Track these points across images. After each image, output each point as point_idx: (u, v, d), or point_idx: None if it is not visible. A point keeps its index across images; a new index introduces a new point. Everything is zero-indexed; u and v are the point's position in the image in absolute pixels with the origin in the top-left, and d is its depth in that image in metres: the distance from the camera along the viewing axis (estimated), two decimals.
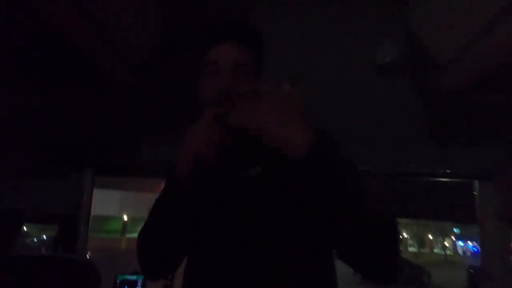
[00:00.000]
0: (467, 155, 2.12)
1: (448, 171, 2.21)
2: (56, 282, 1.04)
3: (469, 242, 28.26)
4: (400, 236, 0.66)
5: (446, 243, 30.40)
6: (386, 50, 1.83)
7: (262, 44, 0.78)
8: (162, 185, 0.76)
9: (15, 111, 1.65)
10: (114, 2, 1.26)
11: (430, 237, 30.89)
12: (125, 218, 23.87)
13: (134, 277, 1.79)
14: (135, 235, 0.88)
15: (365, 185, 0.61)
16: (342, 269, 0.84)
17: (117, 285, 1.76)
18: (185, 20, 1.60)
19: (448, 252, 29.62)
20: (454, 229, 26.62)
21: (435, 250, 31.03)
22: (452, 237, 30.10)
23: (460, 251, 29.98)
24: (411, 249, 29.35)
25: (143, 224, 0.78)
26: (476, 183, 2.17)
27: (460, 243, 30.43)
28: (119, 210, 23.04)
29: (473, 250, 27.22)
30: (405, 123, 2.11)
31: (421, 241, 30.50)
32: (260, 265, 0.69)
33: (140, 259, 0.78)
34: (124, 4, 1.31)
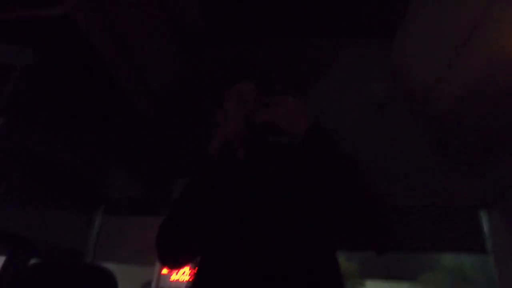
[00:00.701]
0: (472, 184, 2.19)
1: (454, 201, 2.26)
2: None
3: None
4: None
5: None
6: (378, 87, 2.08)
7: (268, 81, 1.08)
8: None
9: (44, 145, 1.82)
10: (147, 43, 1.55)
11: None
12: None
13: None
14: None
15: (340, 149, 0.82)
16: None
17: None
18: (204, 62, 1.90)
19: None
20: None
21: None
22: None
23: None
24: None
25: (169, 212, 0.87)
26: (483, 212, 2.20)
27: None
28: None
29: None
30: (408, 154, 2.24)
31: None
32: (272, 253, 0.77)
33: (162, 246, 0.85)
34: (155, 45, 1.59)
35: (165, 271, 10.62)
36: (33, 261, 1.68)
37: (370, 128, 2.12)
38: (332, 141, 0.83)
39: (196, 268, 0.85)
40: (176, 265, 0.93)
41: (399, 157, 2.17)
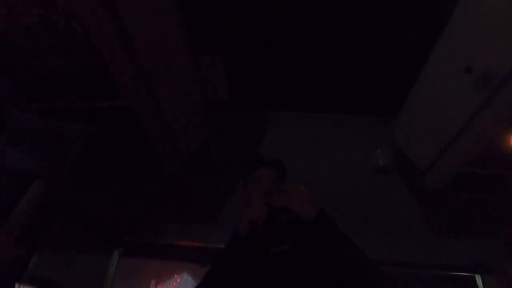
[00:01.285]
0: (467, 249, 2.29)
1: (449, 264, 2.34)
2: None
3: None
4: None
5: None
6: (379, 155, 2.31)
7: (282, 168, 1.33)
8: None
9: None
10: (181, 114, 1.80)
11: None
12: None
13: None
14: None
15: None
16: None
17: None
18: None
19: None
20: None
21: None
22: None
23: None
24: None
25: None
26: (478, 277, 2.28)
27: None
28: None
29: None
30: (405, 218, 2.38)
31: None
32: None
33: None
34: (187, 114, 1.85)
35: None
36: None
37: (371, 191, 2.29)
38: (334, 224, 1.01)
39: None
40: None
41: (394, 220, 2.31)
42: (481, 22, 1.32)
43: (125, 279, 2.54)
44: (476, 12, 1.35)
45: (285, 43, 2.10)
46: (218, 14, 1.89)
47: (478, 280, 2.29)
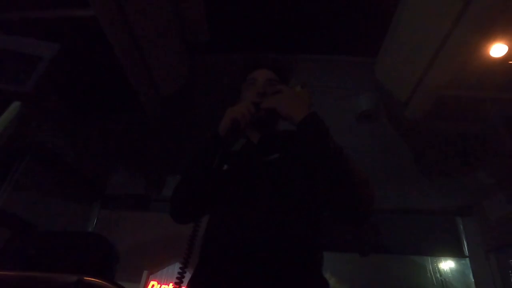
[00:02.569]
0: (449, 193, 2.35)
1: (433, 208, 2.41)
2: (77, 255, 1.17)
3: None
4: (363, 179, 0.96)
5: None
6: (363, 100, 2.29)
7: (281, 68, 1.19)
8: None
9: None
10: (158, 47, 1.73)
11: None
12: None
13: None
14: None
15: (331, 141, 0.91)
16: None
17: None
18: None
19: None
20: None
21: None
22: None
23: None
24: None
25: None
26: (459, 219, 2.35)
27: None
28: None
29: None
30: (390, 163, 2.41)
31: None
32: (263, 220, 0.87)
33: (175, 202, 0.98)
34: (164, 49, 1.78)
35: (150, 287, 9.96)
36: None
37: (355, 137, 2.29)
38: (325, 130, 0.92)
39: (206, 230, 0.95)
40: (184, 218, 1.01)
41: (382, 165, 2.33)
42: None
43: (104, 231, 2.50)
44: None
45: None
46: None
47: (459, 221, 2.36)
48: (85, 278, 0.70)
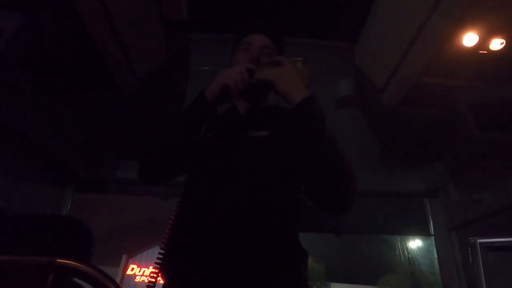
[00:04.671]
0: (418, 176, 2.49)
1: (402, 190, 2.55)
2: (49, 238, 1.13)
3: None
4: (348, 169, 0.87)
5: None
6: (341, 86, 2.33)
7: (279, 37, 1.09)
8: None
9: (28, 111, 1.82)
10: (134, 23, 1.65)
11: None
12: None
13: None
14: None
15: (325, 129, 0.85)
16: None
17: None
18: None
19: None
20: None
21: None
22: None
23: None
24: None
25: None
26: (426, 201, 2.50)
27: None
28: None
29: None
30: (365, 148, 2.50)
31: None
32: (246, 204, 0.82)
33: (148, 160, 0.91)
34: (141, 27, 1.70)
35: (130, 272, 10.24)
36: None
37: (333, 121, 2.34)
38: (322, 118, 0.84)
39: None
40: (154, 178, 0.96)
41: (356, 150, 2.41)
42: None
43: (81, 216, 2.44)
44: None
45: None
46: None
47: (426, 203, 2.51)
48: (57, 260, 0.68)
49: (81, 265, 0.70)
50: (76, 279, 0.83)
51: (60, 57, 1.62)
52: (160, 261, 0.76)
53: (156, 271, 0.75)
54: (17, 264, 0.75)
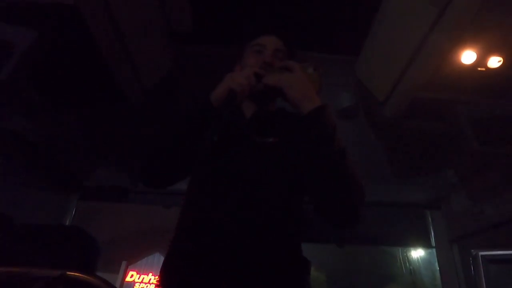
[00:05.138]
0: (419, 188, 2.50)
1: (403, 202, 2.56)
2: (59, 250, 1.17)
3: None
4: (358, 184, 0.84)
5: None
6: (343, 97, 2.36)
7: (291, 41, 1.07)
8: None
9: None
10: (141, 36, 1.69)
11: None
12: None
13: None
14: None
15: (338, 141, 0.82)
16: None
17: None
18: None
19: None
20: None
21: None
22: None
23: None
24: None
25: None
26: (427, 212, 2.51)
27: None
28: None
29: None
30: (365, 159, 2.52)
31: None
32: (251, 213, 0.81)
33: (149, 162, 0.90)
34: (147, 39, 1.75)
35: (129, 278, 10.15)
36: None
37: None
38: (333, 129, 0.81)
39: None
40: (156, 181, 0.94)
41: (357, 161, 2.43)
42: None
43: (83, 223, 2.47)
44: None
45: None
46: None
47: (428, 215, 2.52)
48: (68, 272, 0.71)
49: (91, 278, 0.73)
50: None
51: (69, 69, 1.66)
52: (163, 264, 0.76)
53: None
54: (28, 276, 0.77)
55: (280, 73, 0.88)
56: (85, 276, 0.72)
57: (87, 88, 1.82)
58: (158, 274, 0.81)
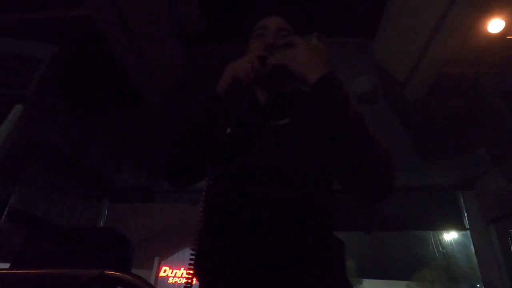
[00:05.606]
0: (450, 169, 2.39)
1: (434, 184, 2.46)
2: (97, 251, 1.23)
3: None
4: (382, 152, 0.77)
5: None
6: (362, 81, 2.29)
7: (294, 16, 1.04)
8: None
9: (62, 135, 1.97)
10: (155, 40, 1.73)
11: None
12: None
13: None
14: None
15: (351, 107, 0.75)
16: None
17: None
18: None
19: None
20: None
21: None
22: None
23: None
24: None
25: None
26: (459, 194, 2.40)
27: None
28: None
29: None
30: (392, 143, 2.44)
31: None
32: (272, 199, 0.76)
33: (171, 166, 0.91)
34: (161, 42, 1.78)
35: (162, 273, 10.65)
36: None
37: None
38: (344, 94, 0.75)
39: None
40: (180, 182, 0.94)
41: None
42: None
43: (116, 224, 2.59)
44: None
45: None
46: None
47: (460, 196, 2.41)
48: (106, 271, 0.74)
49: (128, 276, 0.76)
50: None
51: (89, 78, 1.73)
52: (193, 262, 0.74)
53: (191, 271, 0.73)
54: (68, 277, 0.82)
55: (284, 50, 0.85)
56: (122, 274, 0.75)
57: (108, 95, 1.88)
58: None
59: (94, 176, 2.45)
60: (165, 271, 11.19)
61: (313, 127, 0.80)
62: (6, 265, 1.22)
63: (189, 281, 0.71)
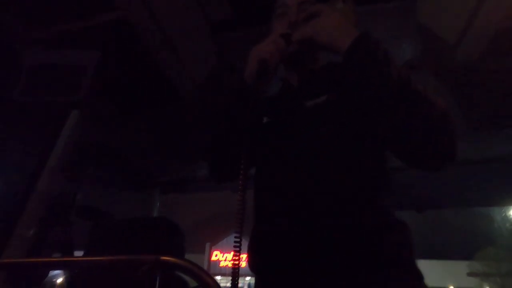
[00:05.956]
0: (509, 136, 2.12)
1: (497, 156, 2.21)
2: (152, 238, 1.32)
3: None
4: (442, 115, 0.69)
5: None
6: (405, 49, 2.10)
7: None
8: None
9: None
10: (186, 36, 1.75)
11: None
12: None
13: None
14: None
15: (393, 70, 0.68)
16: None
17: None
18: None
19: None
20: None
21: None
22: None
23: None
24: None
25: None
26: None
27: None
28: None
29: None
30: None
31: None
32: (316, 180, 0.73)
33: (212, 163, 0.91)
34: (192, 36, 1.80)
35: (214, 258, 11.36)
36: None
37: None
38: (383, 54, 0.68)
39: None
40: (224, 177, 0.94)
41: None
42: None
43: (168, 214, 2.78)
44: None
45: None
46: None
47: None
48: (161, 258, 0.79)
49: (182, 261, 0.80)
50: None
51: (130, 79, 1.82)
52: (239, 247, 0.74)
53: (238, 255, 0.73)
54: (130, 263, 0.90)
55: (306, 24, 0.78)
56: (176, 260, 0.79)
57: (147, 92, 1.97)
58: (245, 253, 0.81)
59: (144, 170, 2.62)
60: (216, 255, 11.84)
61: (355, 97, 0.74)
62: (80, 253, 1.38)
63: (237, 264, 0.72)
